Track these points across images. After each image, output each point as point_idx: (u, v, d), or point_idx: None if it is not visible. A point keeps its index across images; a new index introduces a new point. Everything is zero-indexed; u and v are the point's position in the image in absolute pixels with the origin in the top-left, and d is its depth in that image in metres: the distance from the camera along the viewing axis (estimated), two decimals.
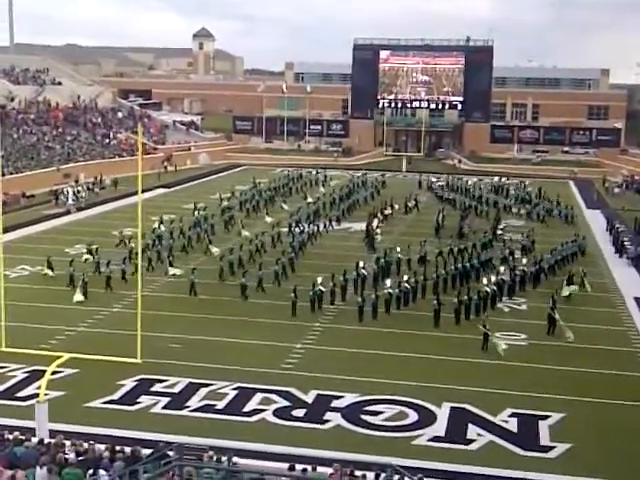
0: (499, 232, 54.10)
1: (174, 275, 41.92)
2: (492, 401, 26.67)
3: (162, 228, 50.40)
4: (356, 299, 36.66)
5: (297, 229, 52.14)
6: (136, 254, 42.45)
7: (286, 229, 52.29)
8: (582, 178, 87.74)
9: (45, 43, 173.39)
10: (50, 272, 41.10)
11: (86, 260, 43.33)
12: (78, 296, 37.54)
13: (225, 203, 61.65)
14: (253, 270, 41.11)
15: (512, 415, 25.70)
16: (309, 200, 64.67)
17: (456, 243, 48.53)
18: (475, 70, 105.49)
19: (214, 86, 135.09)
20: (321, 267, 42.36)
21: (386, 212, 60.16)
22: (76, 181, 69.37)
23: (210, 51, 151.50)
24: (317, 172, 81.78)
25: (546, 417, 25.63)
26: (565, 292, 39.12)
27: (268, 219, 55.69)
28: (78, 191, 65.04)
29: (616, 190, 77.27)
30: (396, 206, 62.50)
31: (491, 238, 49.91)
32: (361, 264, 41.23)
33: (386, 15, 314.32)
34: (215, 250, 45.96)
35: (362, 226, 54.67)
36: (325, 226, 55.00)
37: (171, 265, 42.83)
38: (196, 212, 56.15)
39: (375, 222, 54.93)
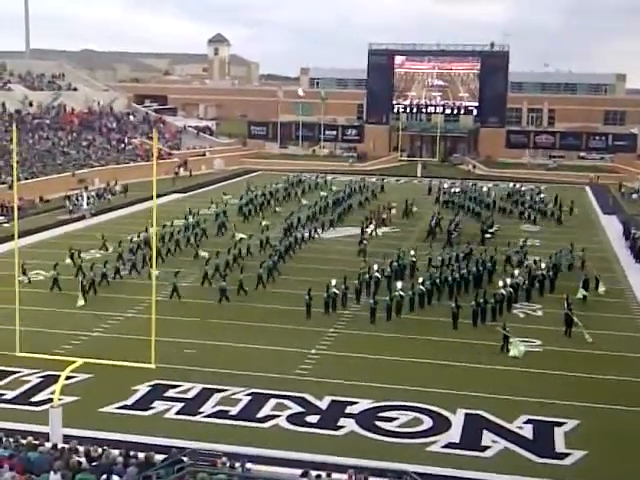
0: (487, 236, 54.17)
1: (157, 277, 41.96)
2: (507, 407, 26.50)
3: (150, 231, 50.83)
4: (368, 301, 36.86)
5: (283, 233, 52.31)
6: (118, 257, 43.95)
7: (271, 234, 52.11)
8: (598, 183, 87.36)
9: (61, 48, 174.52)
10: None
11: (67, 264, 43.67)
12: (80, 301, 37.71)
13: (215, 208, 61.72)
14: (235, 274, 41.54)
15: (527, 422, 25.51)
16: (304, 203, 65.19)
17: (448, 250, 48.19)
18: (491, 75, 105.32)
19: (229, 91, 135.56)
20: (315, 272, 42.68)
21: (383, 216, 60.01)
22: (86, 187, 69.27)
23: (225, 56, 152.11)
24: (317, 176, 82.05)
25: (562, 424, 25.42)
26: (579, 294, 39.00)
27: (263, 223, 55.73)
28: (88, 197, 65.15)
29: (634, 196, 76.78)
30: (393, 211, 62.33)
31: (471, 249, 47.91)
32: (375, 267, 41.44)
33: (401, 20, 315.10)
34: (204, 254, 45.95)
35: (356, 231, 54.40)
36: (315, 231, 55.03)
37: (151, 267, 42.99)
38: (191, 217, 56.38)
39: (371, 227, 55.06)
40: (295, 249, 49.72)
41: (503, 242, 50.56)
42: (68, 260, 44.06)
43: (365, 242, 50.71)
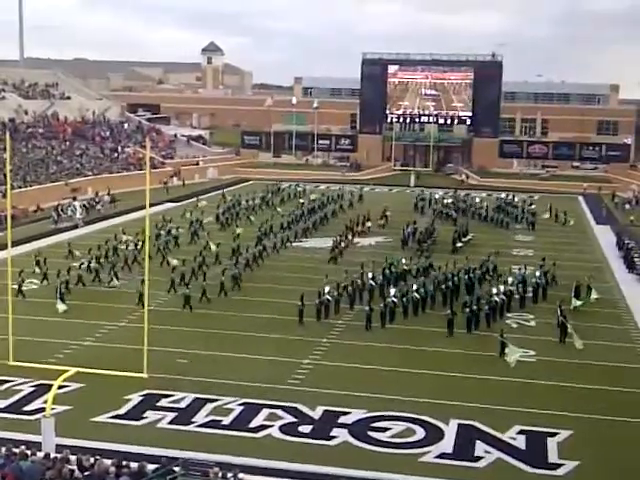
0: (459, 245, 54.31)
1: (114, 287, 42.24)
2: (500, 418, 26.51)
3: (124, 238, 51.67)
4: (363, 308, 37.07)
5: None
6: (82, 265, 44.15)
7: (244, 242, 52.11)
8: (591, 193, 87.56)
9: (55, 57, 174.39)
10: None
11: (33, 271, 43.77)
12: (61, 306, 37.88)
13: (188, 215, 62.11)
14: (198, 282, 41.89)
15: (520, 432, 25.51)
16: (279, 212, 65.77)
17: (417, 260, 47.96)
18: (484, 85, 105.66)
19: (223, 101, 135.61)
20: (300, 280, 42.67)
21: (358, 229, 59.61)
22: (74, 197, 68.99)
23: (219, 65, 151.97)
24: (297, 185, 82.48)
25: (554, 434, 25.44)
26: (572, 304, 39.12)
27: (237, 231, 55.94)
28: (81, 207, 65.20)
29: (627, 206, 76.94)
30: (368, 224, 61.70)
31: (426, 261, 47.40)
32: (370, 275, 41.76)
33: (395, 30, 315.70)
34: (174, 262, 45.92)
35: (329, 242, 54.13)
36: (287, 240, 55.27)
37: (116, 276, 43.23)
38: (165, 225, 56.74)
39: (349, 237, 55.26)
40: (264, 257, 49.82)
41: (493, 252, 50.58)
42: (36, 268, 44.11)
43: (337, 250, 51.05)
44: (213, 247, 49.99)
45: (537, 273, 43.38)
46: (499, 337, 32.73)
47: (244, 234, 55.06)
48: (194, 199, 71.53)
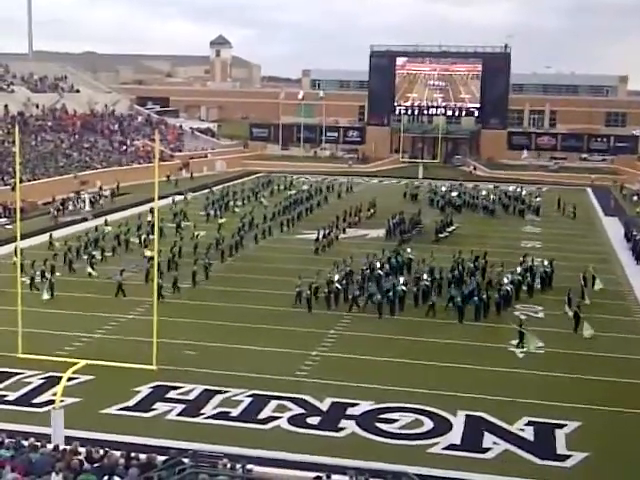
0: (443, 235, 54.81)
1: (90, 275, 42.73)
2: (508, 409, 26.53)
3: (107, 230, 52.64)
4: (375, 296, 37.25)
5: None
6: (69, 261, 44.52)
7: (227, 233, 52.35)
8: (599, 185, 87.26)
9: (64, 51, 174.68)
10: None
11: (14, 263, 43.76)
12: (45, 295, 38.58)
13: (173, 207, 62.56)
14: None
15: (528, 423, 25.52)
16: (264, 204, 65.80)
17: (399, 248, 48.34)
18: (492, 77, 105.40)
19: (231, 93, 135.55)
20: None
21: (349, 220, 59.61)
22: (77, 192, 69.03)
23: (227, 58, 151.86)
24: (285, 177, 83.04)
25: (563, 426, 25.44)
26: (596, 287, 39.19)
27: (220, 221, 56.55)
28: (91, 200, 65.45)
29: (635, 198, 76.66)
30: (361, 214, 61.94)
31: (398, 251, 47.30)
32: (378, 264, 42.19)
33: (403, 21, 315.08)
34: (149, 253, 45.92)
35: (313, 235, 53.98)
36: (269, 231, 55.65)
37: (92, 266, 43.76)
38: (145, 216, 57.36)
39: (337, 228, 55.29)
40: (239, 249, 50.19)
41: (502, 244, 50.60)
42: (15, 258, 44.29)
43: (320, 240, 51.41)
44: (202, 233, 51.21)
45: (545, 262, 43.53)
46: (518, 327, 32.95)
47: (228, 225, 55.40)
48: (185, 192, 71.17)
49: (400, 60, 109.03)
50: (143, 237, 51.17)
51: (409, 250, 46.48)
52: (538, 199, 71.14)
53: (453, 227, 57.62)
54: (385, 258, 44.39)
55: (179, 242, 49.16)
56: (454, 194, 72.41)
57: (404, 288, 38.32)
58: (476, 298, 36.91)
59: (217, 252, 47.66)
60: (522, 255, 45.83)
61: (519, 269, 42.26)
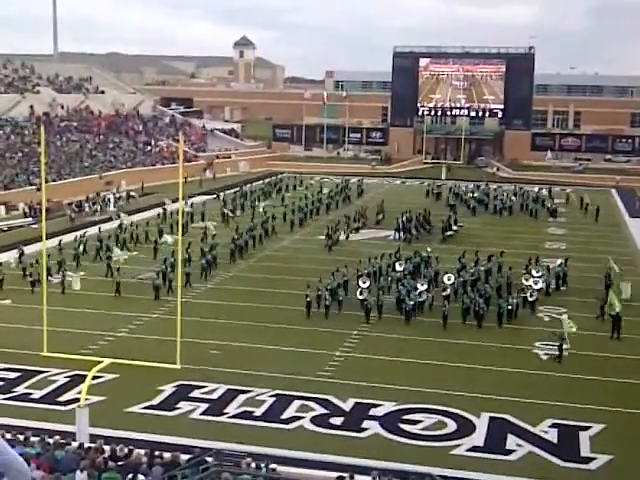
0: (449, 233, 55.21)
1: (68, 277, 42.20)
2: (532, 411, 26.42)
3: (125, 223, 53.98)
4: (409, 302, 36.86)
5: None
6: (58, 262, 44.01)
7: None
8: (624, 186, 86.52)
9: (89, 52, 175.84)
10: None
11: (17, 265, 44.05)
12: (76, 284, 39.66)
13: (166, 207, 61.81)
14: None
15: (552, 426, 25.42)
16: (262, 206, 63.16)
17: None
18: (516, 77, 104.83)
19: (254, 94, 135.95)
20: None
21: (355, 225, 58.27)
22: (98, 193, 68.49)
23: (250, 59, 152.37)
24: (294, 177, 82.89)
25: (587, 428, 25.31)
26: (615, 307, 37.88)
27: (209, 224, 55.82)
28: (115, 200, 65.78)
29: None
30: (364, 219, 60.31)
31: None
32: (398, 267, 42.37)
33: (427, 22, 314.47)
34: (169, 238, 46.24)
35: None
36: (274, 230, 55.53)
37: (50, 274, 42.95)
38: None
39: (342, 235, 54.66)
40: (259, 249, 50.47)
41: (528, 244, 50.39)
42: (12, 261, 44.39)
43: (331, 239, 51.90)
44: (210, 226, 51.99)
45: (558, 261, 43.61)
46: (556, 338, 32.18)
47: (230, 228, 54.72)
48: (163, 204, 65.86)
49: (423, 61, 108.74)
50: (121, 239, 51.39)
51: (429, 249, 46.64)
52: (557, 201, 70.65)
53: (456, 227, 57.33)
54: (403, 259, 44.29)
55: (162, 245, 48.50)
56: (471, 195, 71.77)
57: (426, 296, 37.87)
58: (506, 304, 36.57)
59: (230, 250, 47.46)
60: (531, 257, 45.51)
61: (534, 271, 41.70)
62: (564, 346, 31.70)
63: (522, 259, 45.19)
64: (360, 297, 37.33)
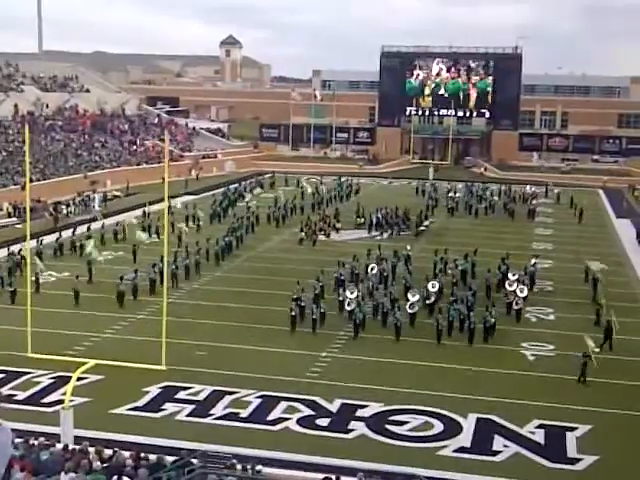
0: (421, 229, 56.66)
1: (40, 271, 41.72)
2: (519, 412, 26.40)
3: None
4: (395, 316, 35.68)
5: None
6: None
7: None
8: (611, 187, 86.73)
9: (74, 50, 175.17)
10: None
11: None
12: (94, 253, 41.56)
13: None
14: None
15: (539, 426, 25.41)
16: (251, 205, 63.12)
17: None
18: (504, 78, 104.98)
19: (241, 94, 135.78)
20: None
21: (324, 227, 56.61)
22: (79, 193, 68.25)
23: (237, 59, 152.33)
24: (273, 175, 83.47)
25: (574, 429, 25.31)
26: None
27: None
28: (101, 199, 65.59)
29: None
30: (339, 225, 58.01)
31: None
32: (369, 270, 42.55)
33: (415, 23, 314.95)
34: (90, 253, 45.53)
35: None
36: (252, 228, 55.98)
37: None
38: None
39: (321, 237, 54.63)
40: (244, 250, 50.35)
41: (515, 245, 50.45)
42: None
43: (303, 236, 52.87)
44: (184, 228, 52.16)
45: (532, 261, 43.78)
46: (582, 357, 30.07)
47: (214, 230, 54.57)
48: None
49: (411, 61, 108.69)
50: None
51: (408, 247, 46.82)
52: (534, 202, 70.59)
53: (429, 221, 59.26)
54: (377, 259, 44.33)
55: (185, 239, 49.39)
56: (452, 194, 71.28)
57: (413, 310, 35.91)
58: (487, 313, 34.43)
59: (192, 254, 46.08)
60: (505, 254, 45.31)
61: (516, 274, 40.95)
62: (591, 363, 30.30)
63: (513, 260, 45.06)
64: (348, 308, 36.14)
